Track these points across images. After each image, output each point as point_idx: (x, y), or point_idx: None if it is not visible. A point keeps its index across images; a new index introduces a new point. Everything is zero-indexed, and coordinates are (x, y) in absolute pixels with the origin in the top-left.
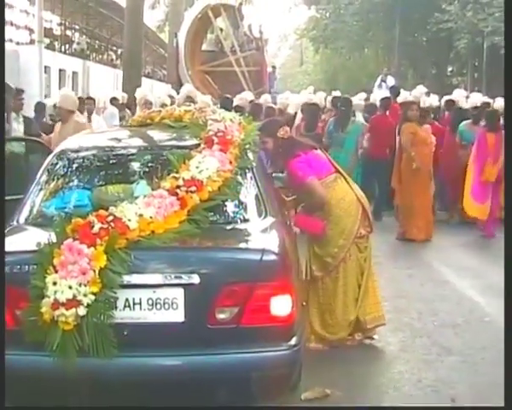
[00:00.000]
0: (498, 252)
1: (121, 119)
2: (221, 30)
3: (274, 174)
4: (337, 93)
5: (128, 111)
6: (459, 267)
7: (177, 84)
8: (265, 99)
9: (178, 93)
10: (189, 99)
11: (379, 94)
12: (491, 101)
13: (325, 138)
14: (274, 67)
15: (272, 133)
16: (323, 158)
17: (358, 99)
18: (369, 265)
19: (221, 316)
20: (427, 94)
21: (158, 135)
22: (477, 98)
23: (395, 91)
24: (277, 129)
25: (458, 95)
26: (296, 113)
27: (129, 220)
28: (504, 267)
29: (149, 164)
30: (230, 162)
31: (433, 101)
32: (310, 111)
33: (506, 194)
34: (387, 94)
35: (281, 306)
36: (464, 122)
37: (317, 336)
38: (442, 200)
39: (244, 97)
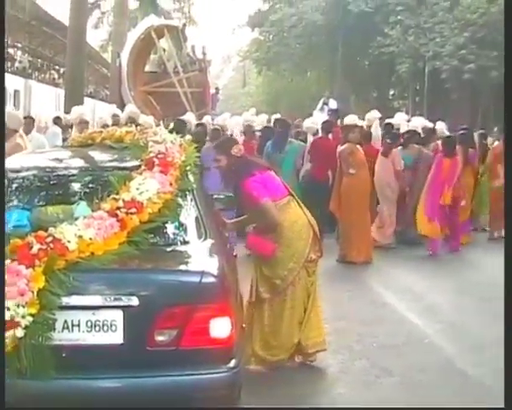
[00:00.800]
0: (437, 273)
1: (65, 139)
2: (164, 51)
3: (215, 196)
4: (277, 115)
5: (70, 131)
6: (398, 289)
7: (120, 105)
8: (207, 120)
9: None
10: (131, 119)
11: (320, 117)
12: (431, 125)
13: (264, 160)
14: (217, 89)
15: (226, 151)
16: (277, 180)
17: (311, 122)
18: (315, 289)
19: (160, 338)
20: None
21: (99, 156)
22: (418, 122)
23: (336, 115)
24: (231, 147)
25: (399, 118)
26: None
27: (68, 242)
28: (504, 267)
29: (90, 185)
30: (171, 184)
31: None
32: (266, 133)
33: (506, 194)
34: (329, 117)
35: (220, 328)
36: (399, 148)
37: (257, 358)
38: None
39: (187, 119)
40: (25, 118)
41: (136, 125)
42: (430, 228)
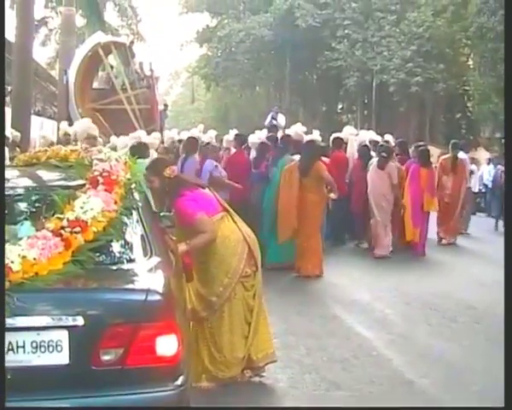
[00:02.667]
0: (387, 286)
1: (11, 158)
2: (112, 68)
3: (162, 213)
4: (234, 132)
5: (18, 150)
6: (348, 302)
7: (68, 122)
8: (155, 137)
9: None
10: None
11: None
12: (379, 138)
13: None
14: (166, 105)
15: (158, 172)
16: (210, 196)
17: (257, 138)
18: (259, 302)
19: (106, 357)
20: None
21: (44, 175)
22: (366, 135)
23: (276, 130)
24: (163, 168)
25: (347, 132)
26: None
27: (12, 262)
28: (504, 267)
29: (34, 204)
30: (115, 202)
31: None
32: (259, 149)
33: (506, 194)
34: (273, 132)
35: (166, 346)
36: (376, 159)
37: (208, 374)
38: (352, 230)
39: (137, 136)
40: None
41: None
42: (414, 233)
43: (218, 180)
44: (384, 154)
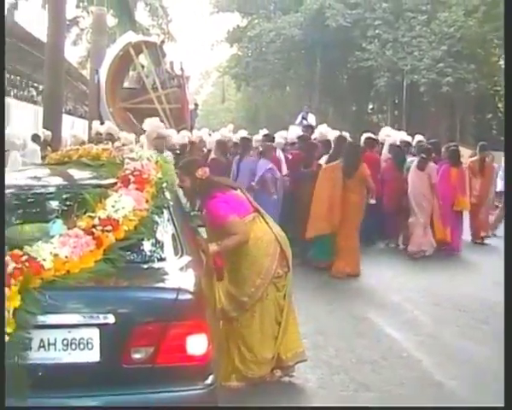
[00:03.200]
0: (416, 287)
1: (44, 157)
2: (143, 67)
3: (193, 213)
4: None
5: (49, 149)
6: (377, 303)
7: (99, 121)
8: (183, 136)
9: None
10: (110, 136)
11: (296, 131)
12: (410, 138)
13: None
14: (196, 104)
15: (190, 173)
16: (242, 198)
17: (282, 137)
18: (289, 302)
19: (136, 356)
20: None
21: (75, 173)
22: (397, 136)
23: (311, 129)
24: (196, 169)
25: (384, 134)
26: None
27: (44, 260)
28: (504, 267)
29: (66, 203)
30: (147, 201)
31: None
32: (308, 149)
33: (506, 194)
34: (303, 131)
35: (196, 345)
36: (411, 159)
37: (238, 373)
38: (382, 230)
39: (168, 134)
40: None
41: (113, 142)
42: (444, 233)
43: (267, 184)
44: (424, 154)
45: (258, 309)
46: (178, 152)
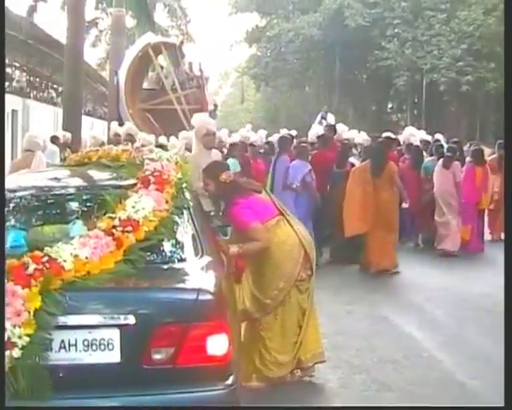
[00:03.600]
0: (437, 286)
1: (64, 159)
2: (162, 68)
3: (213, 213)
4: (284, 131)
5: (69, 150)
6: (397, 303)
7: (119, 122)
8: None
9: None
10: (129, 137)
11: (318, 131)
12: (430, 138)
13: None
14: (215, 105)
15: (214, 176)
16: (266, 201)
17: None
18: (311, 304)
19: (157, 356)
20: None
21: (95, 175)
22: (420, 135)
23: (333, 129)
24: (220, 173)
25: (408, 133)
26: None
27: (64, 261)
28: (504, 268)
29: (86, 204)
30: (167, 202)
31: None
32: (342, 149)
33: (506, 194)
34: (325, 131)
35: (217, 345)
36: (428, 159)
37: (258, 374)
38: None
39: (188, 136)
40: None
41: (133, 143)
42: (464, 231)
43: (310, 186)
44: (449, 153)
45: (281, 312)
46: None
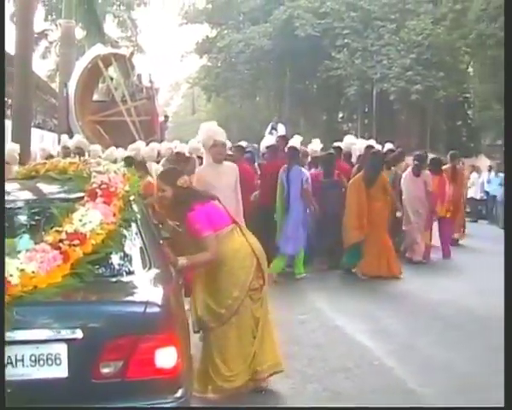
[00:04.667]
0: (387, 295)
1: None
2: (112, 79)
3: (161, 225)
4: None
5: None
6: (350, 312)
7: (69, 135)
8: (152, 148)
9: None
10: (79, 150)
11: (269, 141)
12: (380, 147)
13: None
14: (166, 116)
15: (171, 182)
16: (221, 209)
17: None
18: (265, 313)
19: (105, 370)
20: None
21: (43, 188)
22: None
23: (284, 140)
24: (176, 178)
25: (348, 141)
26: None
27: (11, 276)
28: (504, 268)
29: (33, 217)
30: (114, 215)
31: (315, 147)
32: (327, 158)
33: (506, 193)
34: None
35: (166, 358)
36: (355, 167)
37: (213, 385)
38: None
39: (137, 148)
40: None
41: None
42: (426, 237)
43: (308, 193)
44: (417, 162)
45: (235, 321)
46: None
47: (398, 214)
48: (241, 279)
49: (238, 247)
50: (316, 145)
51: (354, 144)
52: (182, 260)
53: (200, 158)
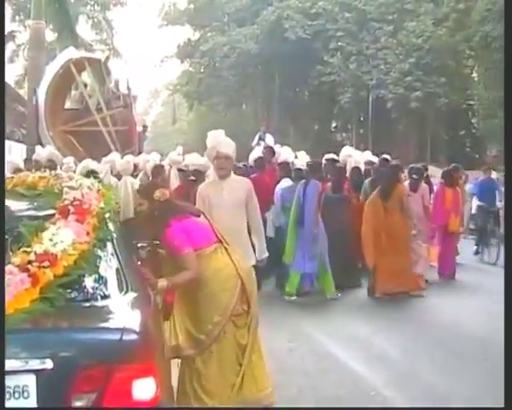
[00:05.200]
0: (385, 318)
1: None
2: (85, 86)
3: (139, 244)
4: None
5: None
6: (343, 337)
7: (40, 146)
8: (127, 161)
9: None
10: (50, 162)
11: (257, 153)
12: (376, 159)
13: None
14: (144, 126)
15: (148, 195)
16: (204, 226)
17: (177, 154)
18: (253, 340)
19: (78, 403)
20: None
21: (9, 204)
22: (360, 156)
23: (271, 151)
24: (153, 191)
25: (345, 153)
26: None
27: None
28: (504, 268)
29: None
30: (88, 233)
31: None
32: (336, 172)
33: (506, 193)
34: (263, 153)
35: (144, 389)
36: (367, 180)
37: None
38: None
39: (111, 160)
40: None
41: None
42: (434, 254)
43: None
44: (415, 176)
45: (216, 349)
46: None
47: (413, 232)
48: (223, 303)
49: (221, 266)
50: (302, 158)
51: (350, 156)
52: (162, 282)
53: (182, 171)
